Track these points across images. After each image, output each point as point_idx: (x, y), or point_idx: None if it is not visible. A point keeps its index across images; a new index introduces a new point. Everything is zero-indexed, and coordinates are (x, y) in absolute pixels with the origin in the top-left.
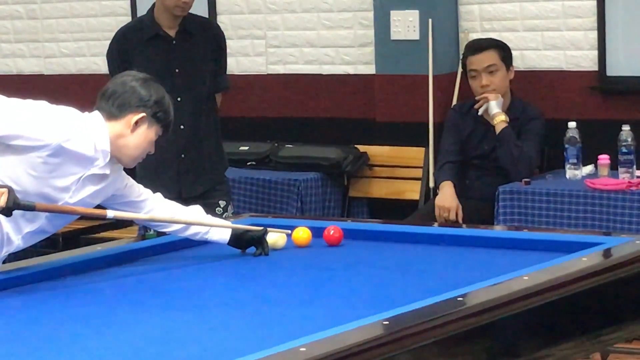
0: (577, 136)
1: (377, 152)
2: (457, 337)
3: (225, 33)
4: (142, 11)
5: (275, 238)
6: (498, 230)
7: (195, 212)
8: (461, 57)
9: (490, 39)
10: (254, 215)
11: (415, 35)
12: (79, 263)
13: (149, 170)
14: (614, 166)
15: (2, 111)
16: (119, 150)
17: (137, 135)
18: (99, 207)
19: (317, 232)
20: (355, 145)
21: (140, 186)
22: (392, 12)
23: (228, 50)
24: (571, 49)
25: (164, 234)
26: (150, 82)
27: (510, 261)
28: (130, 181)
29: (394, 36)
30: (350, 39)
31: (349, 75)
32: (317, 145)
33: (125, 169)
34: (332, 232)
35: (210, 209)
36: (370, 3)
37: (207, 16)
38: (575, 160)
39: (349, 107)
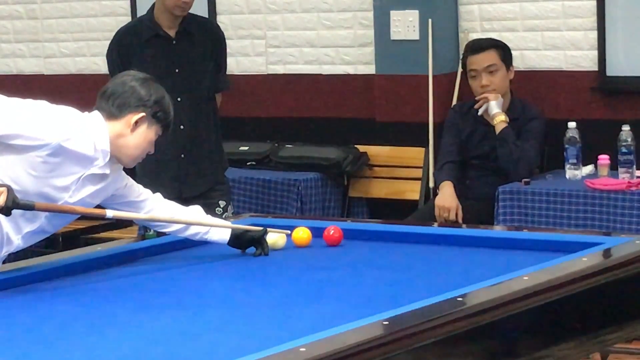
0: (577, 136)
1: (377, 152)
2: (457, 337)
3: (225, 33)
4: (142, 11)
5: (275, 238)
6: (498, 230)
7: (195, 212)
8: (461, 57)
9: (490, 39)
10: (254, 215)
11: (415, 35)
12: (79, 263)
13: (149, 170)
14: (614, 166)
15: (2, 110)
16: (119, 150)
17: (137, 135)
18: (98, 207)
19: (317, 232)
20: (355, 145)
21: (140, 186)
22: (392, 12)
23: (228, 50)
24: (571, 49)
25: (164, 234)
26: (150, 82)
27: (510, 261)
28: (130, 181)
29: (394, 36)
30: (350, 39)
31: (349, 75)
32: (317, 145)
33: (125, 169)
34: (332, 232)
35: (210, 209)
36: (370, 3)
37: (207, 16)
38: (575, 160)
39: (349, 107)
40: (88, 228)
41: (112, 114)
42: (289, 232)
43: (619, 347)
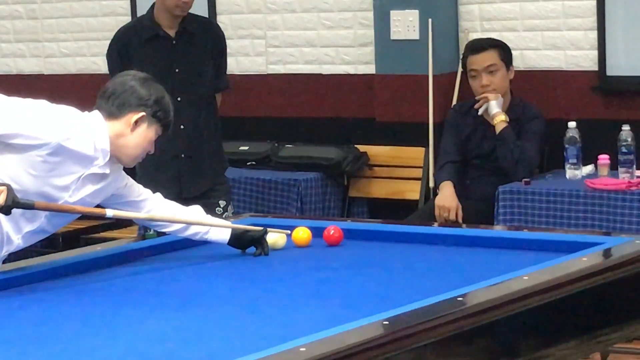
0: (577, 136)
1: (377, 152)
2: (457, 337)
3: (225, 33)
4: (142, 11)
5: (275, 238)
6: (498, 230)
7: (195, 212)
8: (461, 57)
9: (490, 38)
10: (254, 215)
11: (415, 35)
12: (79, 263)
13: (148, 170)
14: (614, 166)
15: (2, 110)
16: (119, 149)
17: (136, 134)
18: (98, 206)
19: (317, 232)
20: (355, 145)
21: (140, 186)
22: (392, 12)
23: (228, 50)
24: (571, 49)
25: (164, 234)
26: (150, 82)
27: (510, 261)
28: (130, 181)
29: (394, 36)
30: (350, 39)
31: (349, 75)
32: (317, 145)
33: (125, 169)
34: (332, 232)
35: (210, 209)
36: (370, 3)
37: (207, 16)
38: (575, 160)
39: (349, 107)
40: (88, 228)
41: (112, 114)
42: (289, 232)
43: (619, 347)
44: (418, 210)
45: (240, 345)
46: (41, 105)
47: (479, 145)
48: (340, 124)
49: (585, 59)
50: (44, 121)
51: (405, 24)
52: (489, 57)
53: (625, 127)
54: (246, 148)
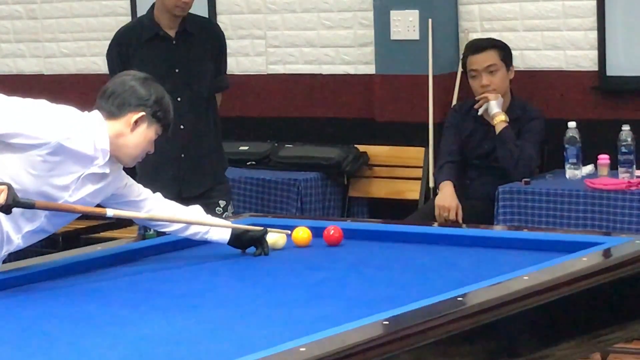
0: (577, 136)
1: (377, 152)
2: (457, 337)
3: (225, 33)
4: (142, 11)
5: (275, 238)
6: (498, 230)
7: (195, 212)
8: (461, 57)
9: (490, 39)
10: (254, 215)
11: (415, 35)
12: (79, 263)
13: (148, 170)
14: (614, 166)
15: (2, 110)
16: (119, 149)
17: (136, 134)
18: (98, 206)
19: (317, 232)
20: (355, 145)
21: (140, 186)
22: (392, 12)
23: (228, 50)
24: (571, 49)
25: (164, 234)
26: (150, 82)
27: (510, 261)
28: (130, 181)
29: (394, 36)
30: (350, 39)
31: (349, 75)
32: (317, 145)
33: (125, 169)
34: (332, 232)
35: (210, 209)
36: (370, 3)
37: (207, 16)
38: (575, 160)
39: (349, 107)
40: (88, 228)
41: (112, 114)
42: (289, 232)
43: (619, 347)
44: (418, 210)
45: (240, 345)
46: (41, 105)
47: (479, 145)
48: (340, 124)
49: (585, 59)
50: (44, 121)
51: (405, 24)
52: (489, 57)
53: (625, 127)
54: (246, 148)
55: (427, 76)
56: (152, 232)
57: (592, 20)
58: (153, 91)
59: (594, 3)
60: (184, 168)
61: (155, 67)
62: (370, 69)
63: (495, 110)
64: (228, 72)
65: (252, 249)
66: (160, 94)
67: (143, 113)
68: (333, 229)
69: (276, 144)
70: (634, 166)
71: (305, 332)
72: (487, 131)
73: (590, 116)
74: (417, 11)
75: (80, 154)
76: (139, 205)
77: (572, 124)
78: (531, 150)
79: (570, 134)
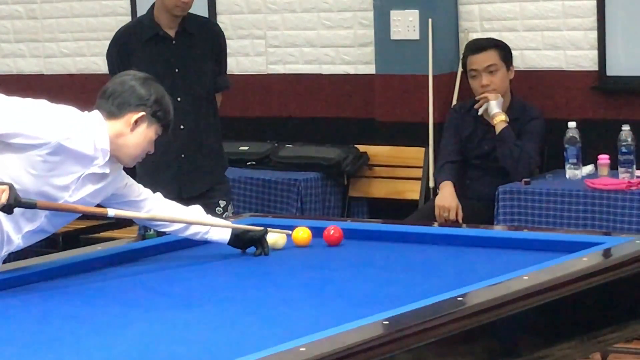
0: (577, 136)
1: (377, 152)
2: (457, 337)
3: (225, 33)
4: (142, 11)
5: (275, 238)
6: (498, 230)
7: (196, 212)
8: (461, 57)
9: (490, 38)
10: (254, 215)
11: (415, 35)
12: (79, 263)
13: (148, 170)
14: (614, 166)
15: (2, 109)
16: (119, 149)
17: (136, 134)
18: (99, 206)
19: (317, 232)
20: (355, 145)
21: (140, 186)
22: (392, 12)
23: (228, 50)
24: (571, 49)
25: (164, 234)
26: (150, 82)
27: (510, 261)
28: (130, 180)
29: (394, 36)
30: (350, 39)
31: (349, 75)
32: (317, 145)
33: (125, 169)
34: (332, 232)
35: (210, 209)
36: (370, 3)
37: (207, 16)
38: (575, 160)
39: (349, 107)
40: (88, 228)
41: (112, 113)
42: (290, 232)
43: (619, 347)
44: (418, 210)
45: (240, 345)
46: (41, 105)
47: (479, 145)
48: (340, 124)
49: (585, 59)
50: (44, 121)
51: (405, 24)
52: (489, 57)
53: (625, 127)
54: (246, 148)
55: (427, 76)
56: (152, 232)
57: (592, 20)
58: (153, 91)
59: (594, 3)
60: (184, 168)
61: (155, 67)
62: (370, 69)
63: (495, 110)
64: (228, 72)
65: (252, 249)
66: (160, 94)
67: (143, 113)
68: (333, 229)
69: (276, 144)
70: (634, 166)
71: (305, 332)
72: (487, 131)
73: (590, 116)
74: (417, 11)
75: (80, 154)
76: (139, 205)
77: (572, 124)
78: (531, 150)
79: (570, 134)
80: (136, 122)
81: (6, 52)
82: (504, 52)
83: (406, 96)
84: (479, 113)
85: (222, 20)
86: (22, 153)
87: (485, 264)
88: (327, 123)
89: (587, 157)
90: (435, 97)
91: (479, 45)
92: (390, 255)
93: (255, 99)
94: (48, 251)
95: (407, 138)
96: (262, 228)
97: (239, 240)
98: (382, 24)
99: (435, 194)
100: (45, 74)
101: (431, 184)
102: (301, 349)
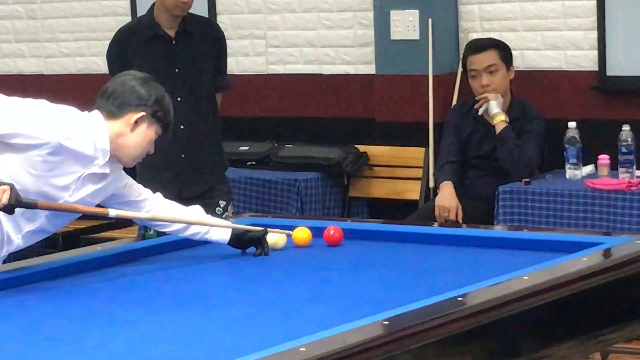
0: (577, 136)
1: (377, 152)
2: (457, 337)
3: (225, 33)
4: (142, 11)
5: (275, 238)
6: (498, 230)
7: (195, 212)
8: (461, 57)
9: (491, 38)
10: (254, 215)
11: (415, 35)
12: (79, 263)
13: (149, 170)
14: (614, 166)
15: (2, 109)
16: (119, 149)
17: (136, 134)
18: (99, 206)
19: (317, 232)
20: (355, 145)
21: (140, 186)
22: (392, 12)
23: (228, 50)
24: (571, 49)
25: (164, 234)
26: (150, 82)
27: (510, 261)
28: (130, 180)
29: (394, 36)
30: (350, 39)
31: (349, 75)
32: (317, 145)
33: (125, 169)
34: (332, 232)
35: (210, 209)
36: (370, 3)
37: (207, 16)
38: (575, 160)
39: (349, 107)
40: (88, 228)
41: (112, 114)
42: (290, 232)
43: (619, 347)
44: (418, 210)
45: (240, 345)
46: (41, 105)
47: (479, 145)
48: (340, 124)
49: (585, 59)
50: (44, 121)
51: (405, 24)
52: (489, 57)
53: (625, 127)
54: (246, 148)
55: (427, 76)
56: (152, 232)
57: (592, 20)
58: (153, 91)
59: (594, 3)
60: (184, 168)
61: (155, 67)
62: (370, 69)
63: (495, 110)
64: (228, 72)
65: (252, 249)
66: (160, 94)
67: (143, 113)
68: (333, 229)
69: (276, 144)
70: (634, 166)
71: (305, 332)
72: (487, 131)
73: (590, 116)
74: (417, 11)
75: (80, 154)
76: (139, 205)
77: (572, 124)
78: (531, 150)
79: (570, 134)
80: (136, 122)
81: (6, 52)
82: (504, 52)
83: (406, 96)
84: (479, 113)
85: (222, 20)
86: (22, 153)
87: (485, 264)
88: (327, 123)
89: (587, 157)
90: (435, 97)
91: (479, 45)
92: (390, 255)
93: (255, 99)
94: (48, 251)
95: (407, 138)
96: (262, 228)
97: (239, 240)
98: (382, 24)
99: (435, 194)
100: (45, 74)
101: (431, 184)
102: (301, 349)
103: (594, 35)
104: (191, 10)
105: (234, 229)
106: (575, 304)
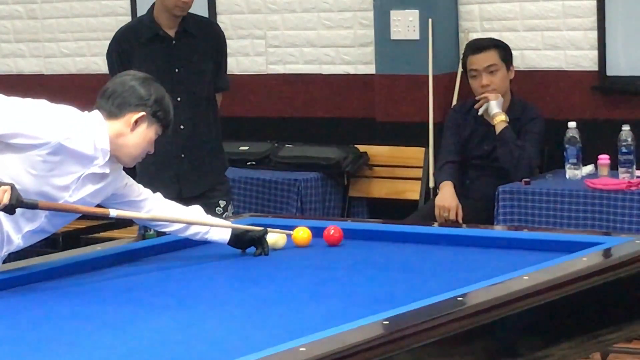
0: (577, 136)
1: (377, 152)
2: (457, 337)
3: (225, 33)
4: (142, 11)
5: (275, 238)
6: (498, 230)
7: (196, 212)
8: (461, 57)
9: (491, 38)
10: (254, 215)
11: (415, 35)
12: (79, 263)
13: (148, 170)
14: (614, 166)
15: (2, 110)
16: (119, 149)
17: (136, 134)
18: (99, 206)
19: (317, 232)
20: (355, 145)
21: (140, 186)
22: (392, 12)
23: (228, 50)
24: (571, 49)
25: (164, 234)
26: (150, 82)
27: (510, 261)
28: (130, 180)
29: (394, 36)
30: (350, 39)
31: (349, 75)
32: (317, 145)
33: (125, 169)
34: (332, 232)
35: (210, 209)
36: (370, 3)
37: (207, 16)
38: (575, 160)
39: (349, 107)
40: (88, 228)
41: (112, 113)
42: (290, 232)
43: (619, 347)
44: (418, 210)
45: (240, 345)
46: (41, 105)
47: (479, 145)
48: (340, 124)
49: (585, 59)
50: (44, 121)
51: (405, 24)
52: (489, 57)
53: (625, 127)
54: (246, 148)
55: (427, 76)
56: (152, 232)
57: (592, 20)
58: (153, 91)
59: (594, 3)
60: (184, 168)
61: (155, 67)
62: (370, 69)
63: (496, 110)
64: (228, 72)
65: (252, 249)
66: (160, 94)
67: (143, 113)
68: (333, 229)
69: (276, 144)
70: (634, 166)
71: (305, 332)
72: (487, 131)
73: (590, 116)
74: (417, 11)
75: (80, 154)
76: (139, 205)
77: (572, 124)
78: (531, 150)
79: (570, 134)
80: (136, 122)
81: (6, 52)
82: (504, 52)
83: (406, 96)
84: (479, 113)
85: (222, 20)
86: (22, 153)
87: (485, 264)
88: (327, 123)
89: (587, 157)
90: (435, 97)
91: (479, 45)
92: (390, 255)
93: (255, 99)
94: (48, 251)
95: (407, 138)
96: (262, 228)
97: (239, 240)
98: (382, 24)
99: (435, 194)
100: (45, 74)
101: (431, 184)
102: (301, 349)
103: (594, 35)
104: (191, 10)
105: (234, 229)
106: (575, 304)
